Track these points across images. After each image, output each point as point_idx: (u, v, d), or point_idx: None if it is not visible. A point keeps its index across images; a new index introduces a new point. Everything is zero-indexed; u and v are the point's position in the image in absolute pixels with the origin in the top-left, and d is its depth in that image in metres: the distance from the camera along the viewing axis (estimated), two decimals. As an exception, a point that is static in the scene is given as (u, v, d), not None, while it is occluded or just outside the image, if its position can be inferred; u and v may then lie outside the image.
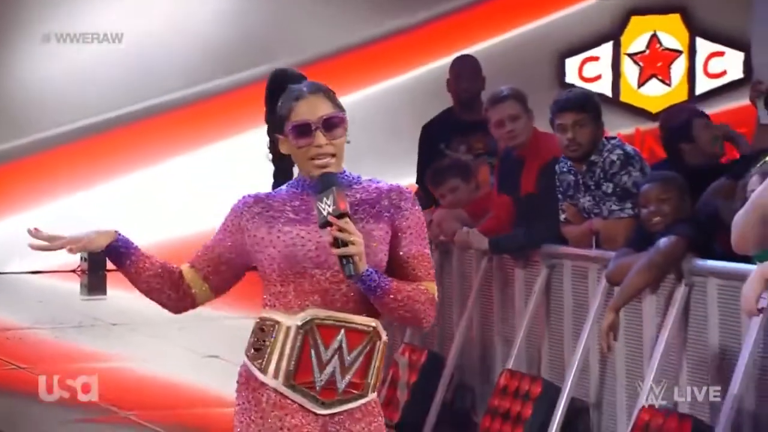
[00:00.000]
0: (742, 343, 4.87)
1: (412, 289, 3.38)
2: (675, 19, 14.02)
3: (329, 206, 3.33)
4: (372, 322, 3.40)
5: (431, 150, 7.43)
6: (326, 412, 3.40)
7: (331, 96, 3.46)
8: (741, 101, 11.53)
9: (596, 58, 14.23)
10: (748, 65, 13.53)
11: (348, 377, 3.39)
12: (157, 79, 13.72)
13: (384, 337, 3.43)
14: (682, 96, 13.71)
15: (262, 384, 3.41)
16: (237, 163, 13.86)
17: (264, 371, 3.40)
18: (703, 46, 13.98)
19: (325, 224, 3.33)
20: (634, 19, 14.04)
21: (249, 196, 3.56)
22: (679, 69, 14.28)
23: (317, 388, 3.38)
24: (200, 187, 13.82)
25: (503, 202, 6.57)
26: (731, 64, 13.38)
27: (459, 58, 8.10)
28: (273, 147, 3.56)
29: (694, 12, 13.77)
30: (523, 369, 6.14)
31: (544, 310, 6.16)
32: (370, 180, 3.51)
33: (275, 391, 3.39)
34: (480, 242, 6.47)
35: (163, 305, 3.60)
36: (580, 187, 6.06)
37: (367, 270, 3.32)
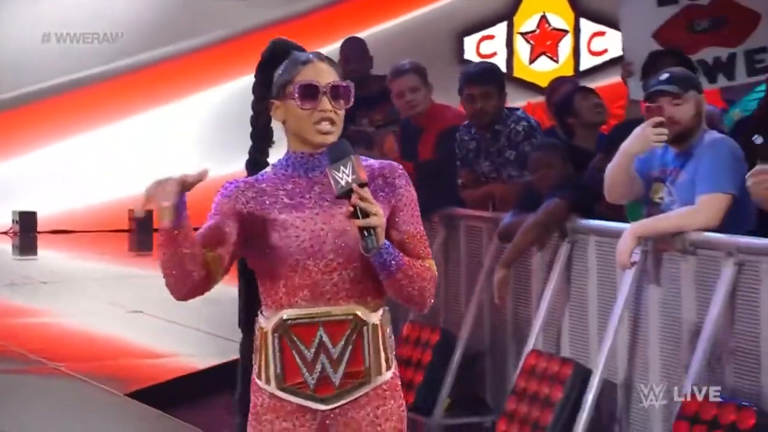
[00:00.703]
0: (617, 293, 4.96)
1: (419, 266, 3.02)
2: (562, 1, 14.17)
3: (347, 175, 2.89)
4: (354, 309, 3.02)
5: None
6: (329, 407, 3.05)
7: (337, 68, 3.09)
8: (620, 77, 11.72)
9: (491, 37, 14.34)
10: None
11: (341, 369, 3.02)
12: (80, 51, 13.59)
13: (374, 320, 3.03)
14: (569, 71, 13.86)
15: (260, 388, 3.10)
16: (158, 136, 13.80)
17: (258, 376, 3.10)
18: (587, 27, 14.15)
19: (344, 194, 2.91)
20: (526, 2, 14.17)
21: (237, 181, 3.12)
22: (565, 47, 14.43)
23: (311, 386, 3.04)
24: (121, 157, 13.72)
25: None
26: (612, 42, 13.54)
27: (347, 41, 8.05)
28: (259, 116, 3.18)
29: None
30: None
31: (443, 269, 6.19)
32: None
33: (271, 395, 3.07)
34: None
35: (182, 284, 3.01)
36: (481, 153, 6.12)
37: (385, 243, 2.94)
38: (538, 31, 14.34)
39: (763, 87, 5.77)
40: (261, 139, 3.21)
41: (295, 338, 3.03)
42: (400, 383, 3.12)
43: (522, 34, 14.36)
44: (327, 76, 3.05)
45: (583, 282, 5.27)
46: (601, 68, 13.96)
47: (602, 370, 4.90)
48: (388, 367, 3.07)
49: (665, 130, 4.68)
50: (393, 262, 2.95)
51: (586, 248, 5.25)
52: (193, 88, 13.99)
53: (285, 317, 3.04)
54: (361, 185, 2.90)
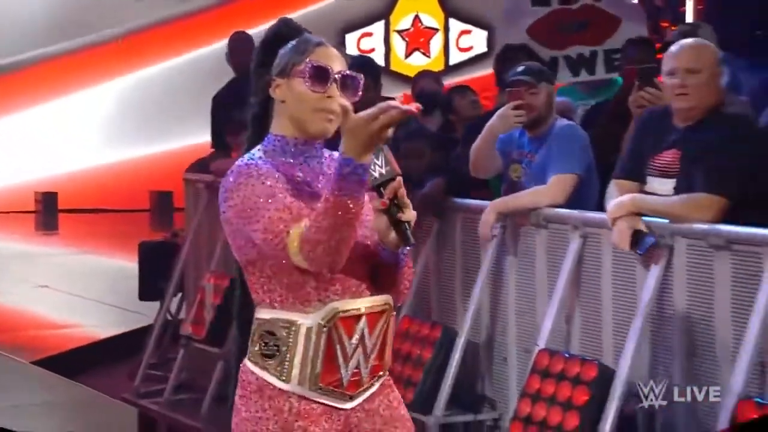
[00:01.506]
0: (481, 261, 5.02)
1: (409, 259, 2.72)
2: (433, 2, 14.33)
3: (380, 167, 2.53)
4: (386, 298, 2.69)
5: (224, 115, 7.25)
6: (352, 404, 2.68)
7: (347, 60, 2.70)
8: (485, 71, 11.93)
9: (370, 34, 14.42)
10: (490, 41, 13.95)
11: (370, 363, 2.67)
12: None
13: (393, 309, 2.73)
14: (440, 66, 14.03)
15: (282, 391, 2.63)
16: (62, 124, 13.60)
17: (287, 379, 2.62)
18: (455, 26, 14.33)
19: (378, 186, 2.53)
20: (401, 2, 14.29)
21: (257, 162, 2.61)
22: (437, 44, 14.58)
23: (344, 384, 2.65)
24: (27, 142, 13.50)
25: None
26: (477, 40, 13.74)
27: (233, 35, 7.91)
28: (259, 95, 2.74)
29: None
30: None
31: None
32: (329, 152, 2.72)
33: (300, 397, 2.63)
34: None
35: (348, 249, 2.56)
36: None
37: None
38: (412, 29, 14.46)
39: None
40: (260, 122, 2.74)
41: (342, 332, 2.63)
42: None
43: (398, 31, 14.47)
44: (339, 64, 2.66)
45: (451, 253, 5.30)
46: (469, 63, 14.15)
47: (467, 332, 4.95)
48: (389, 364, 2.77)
49: (523, 112, 4.86)
50: (404, 255, 2.66)
51: (454, 224, 5.27)
52: (94, 80, 13.82)
53: (336, 310, 2.61)
54: (394, 177, 2.54)
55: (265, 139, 2.69)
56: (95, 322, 8.07)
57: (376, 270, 2.68)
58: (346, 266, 2.58)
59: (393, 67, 14.30)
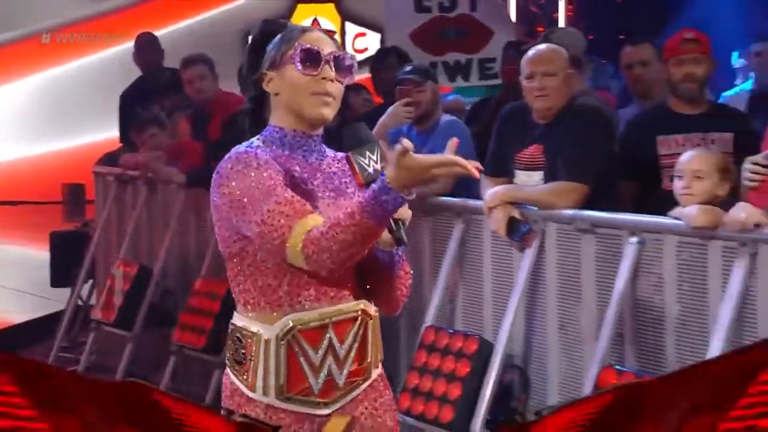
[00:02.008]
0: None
1: (407, 264, 2.50)
2: (330, 7, 14.41)
3: (375, 162, 2.31)
4: (359, 304, 2.45)
5: (131, 111, 7.28)
6: (329, 410, 2.44)
7: (337, 43, 2.49)
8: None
9: (273, 36, 14.47)
10: (383, 43, 14.10)
11: (346, 369, 2.43)
12: None
13: (373, 312, 2.48)
14: (337, 66, 14.10)
15: (250, 399, 2.42)
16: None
17: (251, 388, 2.42)
18: (351, 28, 14.42)
19: (372, 182, 2.30)
20: (300, 6, 14.34)
21: (255, 149, 2.39)
22: (334, 45, 14.71)
23: (315, 392, 2.42)
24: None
25: (196, 147, 6.64)
26: (371, 42, 13.85)
27: (139, 35, 7.89)
28: (251, 97, 2.52)
29: (344, 2, 14.27)
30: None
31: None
32: (332, 152, 2.53)
33: (268, 406, 2.41)
34: (178, 176, 6.50)
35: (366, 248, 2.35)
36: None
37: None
38: (311, 31, 14.58)
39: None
40: (253, 120, 2.52)
41: (304, 343, 2.40)
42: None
43: (298, 33, 14.56)
44: (329, 45, 2.45)
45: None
46: (364, 63, 14.26)
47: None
48: (377, 366, 2.51)
49: (412, 108, 5.02)
50: (399, 258, 2.45)
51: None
52: (9, 77, 13.62)
53: (292, 324, 2.39)
54: None
55: (265, 129, 2.49)
56: (10, 308, 7.99)
57: (367, 275, 2.47)
58: (331, 270, 2.35)
59: (294, 67, 14.37)
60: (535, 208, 4.34)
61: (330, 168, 2.48)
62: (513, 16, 9.13)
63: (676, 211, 3.87)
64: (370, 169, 2.32)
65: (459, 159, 2.26)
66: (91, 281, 7.20)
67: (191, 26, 13.52)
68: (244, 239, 2.38)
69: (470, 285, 4.71)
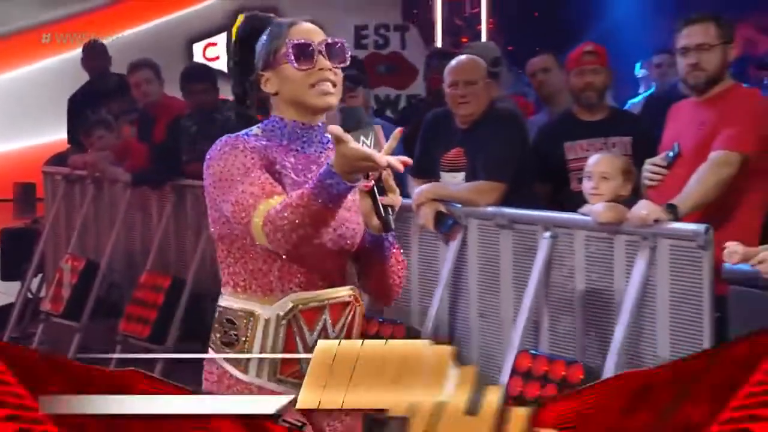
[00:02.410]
0: None
1: (401, 254, 2.42)
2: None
3: (369, 147, 2.19)
4: (353, 289, 2.40)
5: (79, 114, 7.28)
6: None
7: (324, 29, 2.40)
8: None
9: (215, 44, 14.40)
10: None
11: None
12: None
13: (360, 300, 2.42)
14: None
15: (241, 381, 2.34)
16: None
17: (244, 370, 2.34)
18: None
19: None
20: (241, 16, 14.40)
21: (244, 137, 2.33)
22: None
23: (305, 374, 2.11)
24: None
25: (141, 148, 6.66)
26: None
27: (87, 42, 7.87)
28: (246, 97, 2.43)
29: (284, 13, 14.33)
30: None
31: (174, 228, 6.24)
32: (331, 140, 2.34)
33: (260, 388, 2.33)
34: (124, 176, 6.50)
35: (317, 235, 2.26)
36: (198, 137, 6.29)
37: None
38: (251, 39, 14.59)
39: None
40: (246, 118, 2.45)
41: (303, 324, 2.34)
42: None
43: (239, 42, 14.57)
44: (318, 35, 2.37)
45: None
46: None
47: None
48: None
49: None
50: (393, 244, 2.37)
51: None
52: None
53: (296, 302, 2.33)
54: None
55: (267, 119, 2.41)
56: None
57: (361, 264, 2.40)
58: (314, 259, 2.31)
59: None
60: (459, 205, 4.48)
61: (329, 159, 2.31)
62: (439, 28, 9.30)
63: (585, 208, 4.05)
64: None
65: (379, 159, 2.15)
66: (40, 275, 7.20)
67: (138, 35, 13.49)
68: (229, 221, 2.33)
69: (399, 277, 4.81)
